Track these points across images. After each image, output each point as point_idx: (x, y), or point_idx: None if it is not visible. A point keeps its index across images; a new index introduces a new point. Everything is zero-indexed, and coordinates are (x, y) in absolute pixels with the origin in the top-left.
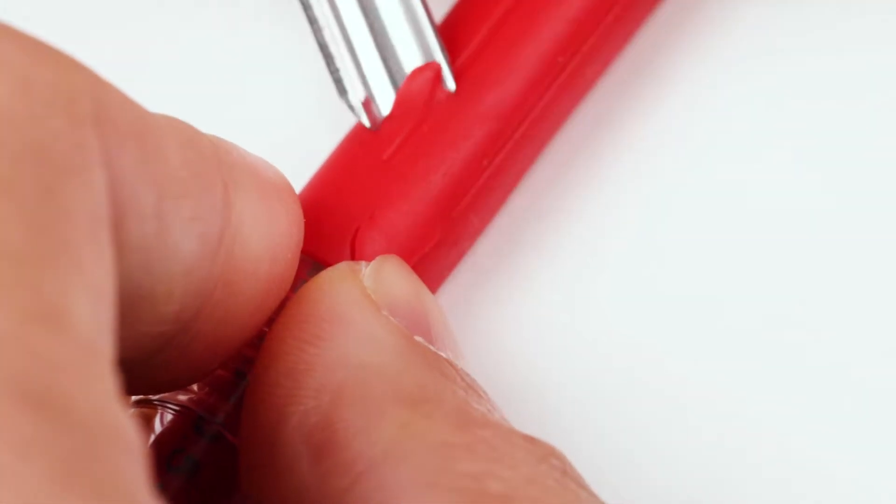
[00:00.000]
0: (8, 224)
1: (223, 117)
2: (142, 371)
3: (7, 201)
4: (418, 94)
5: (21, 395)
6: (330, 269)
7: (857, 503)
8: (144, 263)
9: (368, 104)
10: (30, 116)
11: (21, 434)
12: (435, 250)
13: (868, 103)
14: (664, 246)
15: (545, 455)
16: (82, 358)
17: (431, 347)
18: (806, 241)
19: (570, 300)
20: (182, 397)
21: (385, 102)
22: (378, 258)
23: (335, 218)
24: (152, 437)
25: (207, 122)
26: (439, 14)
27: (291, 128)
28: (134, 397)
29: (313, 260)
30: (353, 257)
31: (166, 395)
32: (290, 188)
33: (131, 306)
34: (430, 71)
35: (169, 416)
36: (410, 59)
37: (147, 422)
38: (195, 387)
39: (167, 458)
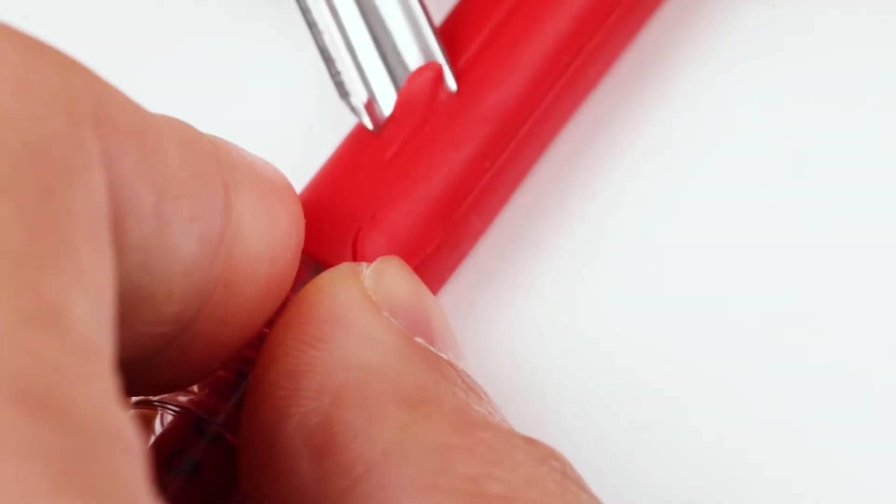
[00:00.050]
0: (7, 224)
1: (223, 117)
2: (142, 372)
3: (6, 201)
4: (420, 94)
5: (20, 395)
6: (330, 270)
7: (857, 503)
8: (144, 264)
9: (371, 106)
10: (29, 116)
11: (20, 435)
12: (437, 251)
13: (869, 103)
14: (665, 246)
15: (545, 457)
16: (82, 359)
17: (432, 349)
18: (807, 241)
19: (571, 301)
20: (182, 398)
21: (387, 103)
22: (379, 259)
23: (337, 219)
24: (152, 438)
25: (208, 123)
26: (440, 14)
27: (292, 128)
28: (134, 398)
29: (314, 261)
30: (354, 258)
31: (166, 395)
32: (290, 188)
33: (131, 307)
34: (431, 71)
35: (169, 417)
36: (410, 60)
37: (147, 423)
38: (195, 387)
39: (167, 459)
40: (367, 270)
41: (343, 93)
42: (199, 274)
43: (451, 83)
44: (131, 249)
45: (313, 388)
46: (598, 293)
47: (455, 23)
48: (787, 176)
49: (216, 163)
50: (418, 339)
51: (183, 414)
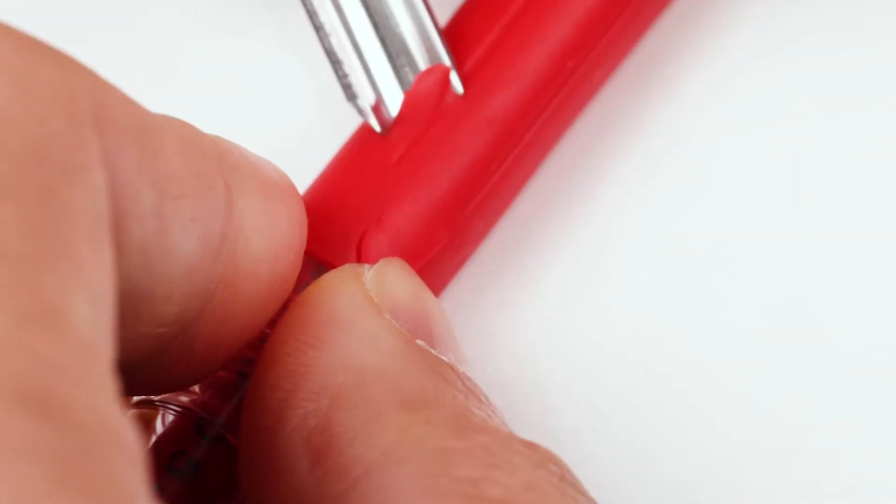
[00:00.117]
0: (7, 225)
1: (224, 118)
2: (143, 372)
3: (6, 202)
4: (427, 96)
5: (20, 396)
6: (333, 271)
7: (859, 502)
8: (145, 264)
9: (378, 108)
10: (30, 116)
11: (20, 435)
12: (441, 253)
13: (876, 103)
14: (670, 248)
15: (543, 461)
16: (82, 359)
17: (432, 351)
18: (814, 241)
19: (574, 302)
20: (183, 398)
21: (394, 105)
22: (381, 261)
23: (342, 220)
24: (153, 438)
25: (209, 123)
26: (445, 16)
27: (293, 128)
28: (135, 398)
29: (318, 262)
30: (359, 260)
31: (167, 395)
32: (293, 188)
33: (131, 307)
34: (438, 73)
35: (170, 417)
36: (417, 62)
37: (148, 423)
38: (196, 388)
39: (168, 460)
40: (369, 272)
41: (350, 95)
42: (200, 274)
43: (457, 86)
44: (132, 250)
45: (313, 390)
46: (602, 295)
47: (461, 26)
48: (793, 177)
49: (218, 163)
50: (419, 342)
51: (184, 414)
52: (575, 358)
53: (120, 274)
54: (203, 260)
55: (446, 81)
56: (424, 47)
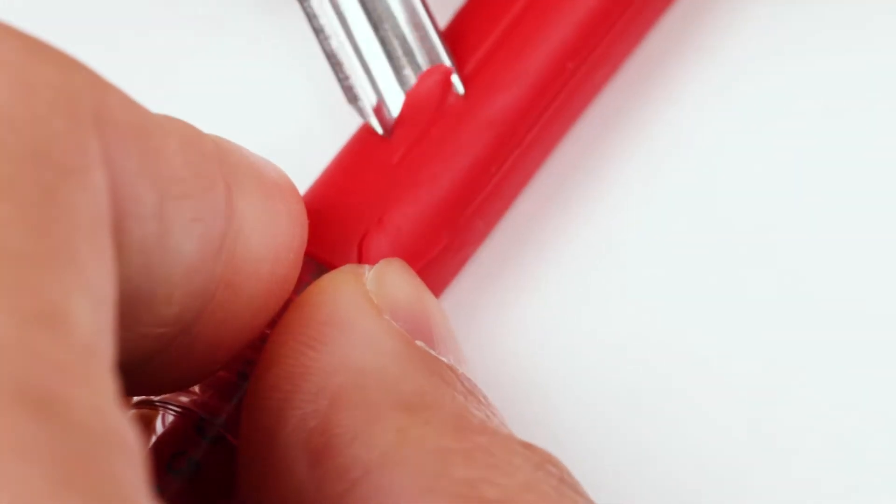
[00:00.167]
0: (8, 225)
1: (226, 118)
2: (143, 372)
3: (7, 202)
4: (428, 97)
5: (21, 396)
6: (333, 272)
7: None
8: (145, 265)
9: (380, 110)
10: (31, 117)
11: (20, 435)
12: (441, 254)
13: (879, 103)
14: (671, 249)
15: (542, 462)
16: (82, 359)
17: (432, 352)
18: (816, 241)
19: (574, 303)
20: (183, 398)
21: (396, 107)
22: (381, 261)
23: (343, 221)
24: (153, 439)
25: (210, 123)
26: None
27: (295, 128)
28: (135, 398)
29: (319, 263)
30: (360, 260)
31: (168, 396)
32: (293, 188)
33: (132, 308)
34: (439, 74)
35: (170, 418)
36: (417, 63)
37: (148, 423)
38: (197, 388)
39: (168, 460)
40: (369, 273)
41: (352, 97)
42: (201, 275)
43: (458, 86)
44: (132, 250)
45: (312, 391)
46: (602, 295)
47: (462, 26)
48: (795, 177)
49: (218, 163)
50: (418, 342)
51: (184, 414)
52: (575, 358)
53: (120, 274)
54: (203, 260)
55: (447, 82)
56: (424, 48)
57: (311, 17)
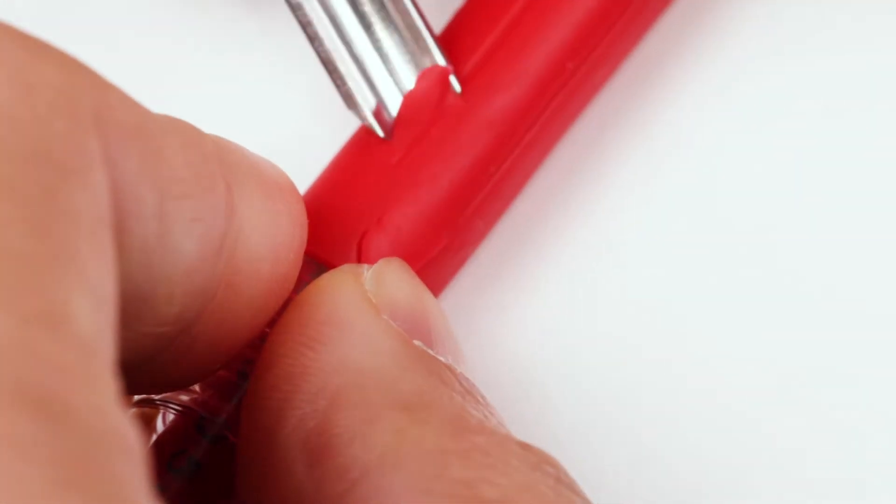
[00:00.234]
0: (8, 225)
1: (226, 118)
2: (143, 371)
3: (8, 203)
4: (427, 97)
5: (21, 396)
6: (332, 271)
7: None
8: (146, 265)
9: (379, 113)
10: (32, 118)
11: (20, 435)
12: (441, 254)
13: (879, 103)
14: (670, 249)
15: (540, 462)
16: (83, 360)
17: (430, 352)
18: (816, 241)
19: (573, 303)
20: (184, 397)
21: (394, 108)
22: (380, 261)
23: (343, 221)
24: (154, 438)
25: (210, 124)
26: (445, 17)
27: (295, 128)
28: (136, 397)
29: (319, 262)
30: (360, 260)
31: (168, 394)
32: (293, 188)
33: (132, 307)
34: (437, 74)
35: (171, 416)
36: (413, 64)
37: (149, 422)
38: (197, 387)
39: (169, 459)
40: (368, 272)
41: (351, 103)
42: (201, 275)
43: (457, 87)
44: (133, 250)
45: (310, 391)
46: (601, 296)
47: (462, 27)
48: (794, 177)
49: (218, 163)
50: (417, 342)
51: (185, 413)
52: (574, 358)
53: (121, 274)
54: (204, 260)
55: (445, 82)
56: (418, 49)
57: (305, 25)
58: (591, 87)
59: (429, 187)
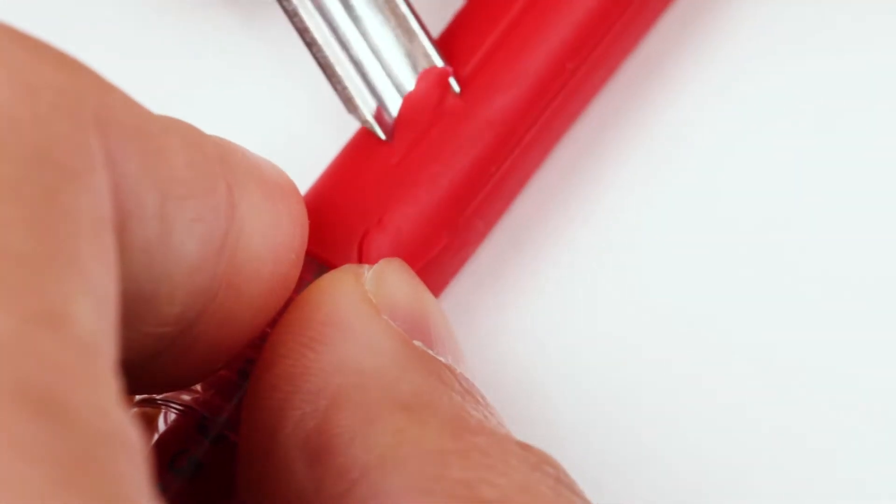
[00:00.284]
0: (10, 226)
1: (227, 119)
2: (145, 371)
3: (10, 204)
4: (427, 98)
5: (23, 396)
6: (332, 272)
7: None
8: (147, 265)
9: (380, 115)
10: (33, 119)
11: (22, 435)
12: (441, 254)
13: (877, 103)
14: (670, 249)
15: (539, 462)
16: (84, 360)
17: (430, 352)
18: (816, 241)
19: (573, 303)
20: (185, 397)
21: (395, 109)
22: (381, 261)
23: (344, 221)
24: (155, 437)
25: (211, 124)
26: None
27: (296, 129)
28: (137, 397)
29: (319, 262)
30: (360, 261)
31: (169, 394)
32: (294, 189)
33: (134, 308)
34: (436, 75)
35: (172, 416)
36: (412, 66)
37: (150, 421)
38: (198, 387)
39: (170, 459)
40: (368, 273)
41: (351, 107)
42: (202, 275)
43: (455, 87)
44: (134, 251)
45: (310, 392)
46: (601, 296)
47: (461, 28)
48: (795, 177)
49: (220, 163)
50: (416, 343)
51: (186, 413)
52: (574, 358)
53: (122, 274)
54: (205, 260)
55: (445, 84)
56: (416, 50)
57: (302, 31)
58: (590, 87)
59: (429, 188)
